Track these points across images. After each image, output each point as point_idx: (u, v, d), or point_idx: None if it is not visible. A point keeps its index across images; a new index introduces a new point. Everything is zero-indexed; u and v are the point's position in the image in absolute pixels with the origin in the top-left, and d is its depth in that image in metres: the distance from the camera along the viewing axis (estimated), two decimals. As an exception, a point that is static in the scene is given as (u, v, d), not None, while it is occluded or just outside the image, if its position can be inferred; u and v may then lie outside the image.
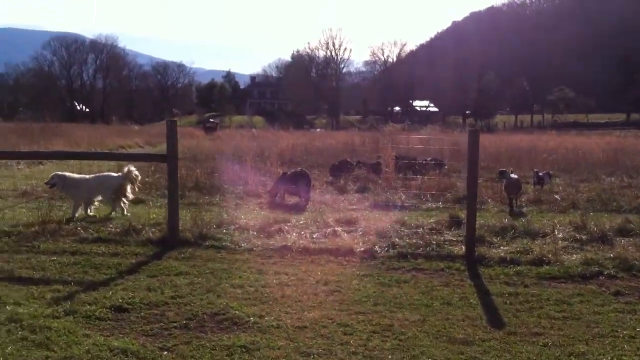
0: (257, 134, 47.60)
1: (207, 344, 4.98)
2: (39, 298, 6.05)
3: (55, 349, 4.79)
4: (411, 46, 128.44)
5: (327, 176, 17.18)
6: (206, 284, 6.68)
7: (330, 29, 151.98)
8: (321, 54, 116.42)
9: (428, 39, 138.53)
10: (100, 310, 5.71)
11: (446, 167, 18.32)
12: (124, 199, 10.89)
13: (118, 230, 9.15)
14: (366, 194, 14.33)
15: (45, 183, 10.88)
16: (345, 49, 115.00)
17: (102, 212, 10.83)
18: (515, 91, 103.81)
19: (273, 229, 9.39)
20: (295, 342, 5.05)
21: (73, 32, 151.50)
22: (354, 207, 12.53)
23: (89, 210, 10.63)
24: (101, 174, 11.62)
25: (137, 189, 11.44)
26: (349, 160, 17.68)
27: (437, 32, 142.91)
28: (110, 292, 6.27)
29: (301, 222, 10.14)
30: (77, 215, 10.34)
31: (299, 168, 15.43)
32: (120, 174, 11.13)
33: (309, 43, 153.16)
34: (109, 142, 37.35)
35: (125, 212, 10.70)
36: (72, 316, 5.54)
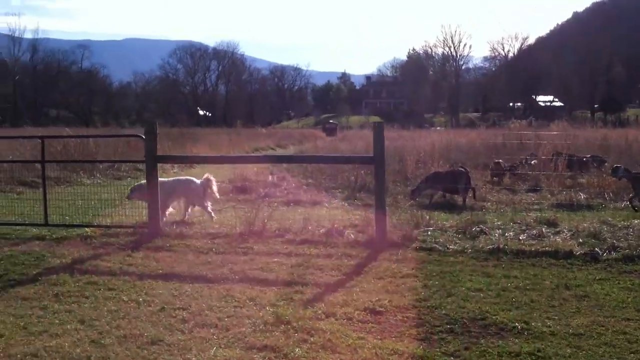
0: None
1: (490, 350, 4.84)
2: (289, 299, 6.16)
3: (342, 352, 4.82)
4: (531, 39, 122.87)
5: (487, 175, 16.75)
6: (442, 287, 6.57)
7: (449, 25, 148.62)
8: (439, 51, 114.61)
9: (548, 32, 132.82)
10: (357, 312, 5.72)
11: (607, 163, 17.36)
12: (208, 204, 10.90)
13: (322, 232, 9.26)
14: (538, 193, 13.84)
15: (127, 198, 10.89)
16: (465, 44, 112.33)
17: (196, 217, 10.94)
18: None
19: (474, 230, 9.18)
20: (582, 350, 4.81)
21: (196, 41, 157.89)
22: (537, 206, 12.10)
23: (167, 214, 10.65)
24: (182, 178, 11.59)
25: (215, 197, 11.36)
26: (499, 161, 16.94)
27: (557, 24, 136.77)
28: (354, 295, 6.29)
29: (498, 222, 9.86)
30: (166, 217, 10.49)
31: (460, 166, 15.14)
32: (201, 180, 11.08)
33: (426, 41, 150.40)
34: (246, 145, 38.53)
35: (213, 217, 10.67)
36: (333, 318, 5.59)
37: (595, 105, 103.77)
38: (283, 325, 5.38)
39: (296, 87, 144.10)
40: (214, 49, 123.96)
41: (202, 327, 5.41)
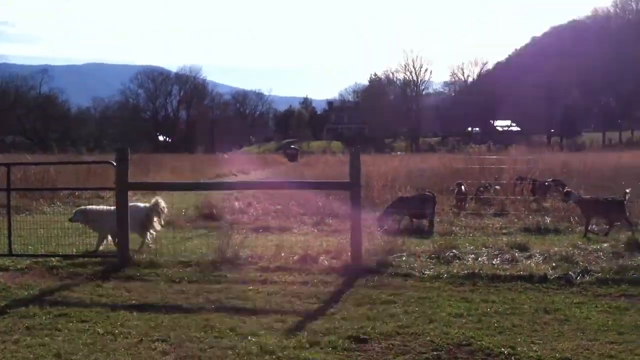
0: (344, 160, 47.87)
1: (481, 377, 4.82)
2: (270, 329, 6.06)
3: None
4: (491, 65, 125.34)
5: (452, 200, 16.86)
6: (422, 313, 6.54)
7: (412, 50, 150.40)
8: (400, 76, 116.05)
9: (506, 57, 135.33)
10: (341, 340, 5.65)
11: (567, 188, 17.69)
12: (151, 231, 10.56)
13: (296, 258, 9.17)
14: (505, 217, 14.00)
15: (69, 220, 10.61)
16: (426, 70, 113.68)
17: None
18: (602, 108, 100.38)
19: (448, 254, 9.21)
20: (571, 376, 4.83)
21: (158, 66, 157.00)
22: (505, 231, 12.21)
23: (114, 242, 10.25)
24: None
25: (162, 222, 10.96)
26: (461, 184, 17.04)
27: (515, 49, 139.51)
28: (336, 322, 6.23)
29: (470, 247, 9.92)
30: (101, 248, 10.22)
31: (427, 190, 15.21)
32: (147, 204, 10.78)
33: (389, 67, 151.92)
34: (209, 171, 38.18)
35: (150, 244, 10.37)
36: (318, 347, 5.50)
37: (552, 130, 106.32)
38: (267, 356, 5.29)
39: (258, 112, 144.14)
40: (176, 73, 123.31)
41: (184, 359, 5.27)
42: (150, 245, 10.36)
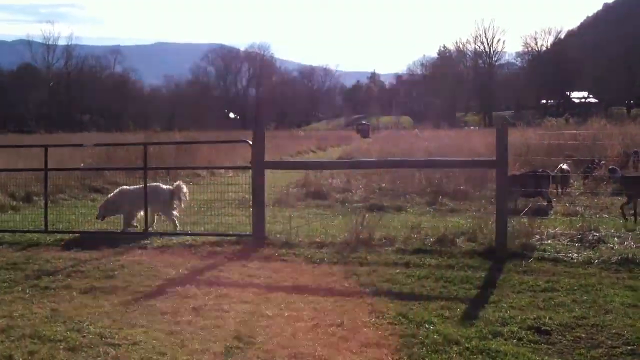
0: (420, 134, 47.15)
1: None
2: (441, 316, 5.91)
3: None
4: (563, 33, 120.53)
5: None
6: (593, 302, 6.26)
7: (483, 20, 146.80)
8: (471, 47, 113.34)
9: (578, 25, 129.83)
10: (523, 332, 5.44)
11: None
12: (173, 213, 10.59)
13: (432, 240, 9.00)
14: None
15: (97, 217, 10.82)
16: (499, 40, 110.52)
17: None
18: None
19: (590, 238, 8.84)
20: None
21: (226, 44, 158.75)
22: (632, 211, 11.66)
23: (134, 222, 10.64)
24: (149, 184, 10.93)
25: (183, 206, 11.00)
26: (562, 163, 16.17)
27: (587, 17, 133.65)
28: (506, 311, 6.02)
29: (612, 230, 9.51)
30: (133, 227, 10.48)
31: (540, 168, 14.66)
32: (169, 187, 10.81)
33: (460, 38, 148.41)
34: (289, 148, 38.27)
35: (177, 228, 10.41)
36: (502, 338, 5.32)
37: (631, 101, 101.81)
38: (454, 346, 5.14)
39: (325, 88, 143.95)
40: (246, 51, 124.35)
41: (367, 346, 5.19)
42: (177, 227, 10.46)
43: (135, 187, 10.95)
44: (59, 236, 10.35)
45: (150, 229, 10.33)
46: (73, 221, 11.57)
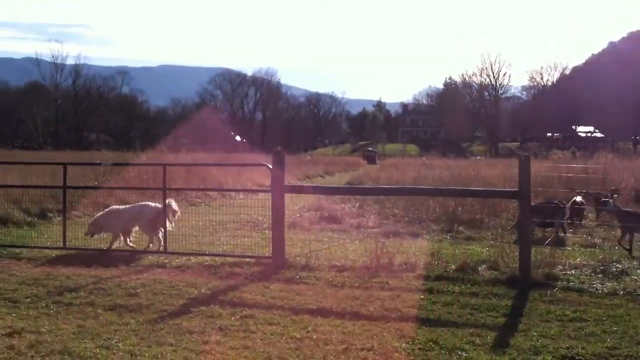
0: (427, 162, 47.19)
1: None
2: (471, 343, 5.86)
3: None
4: (569, 69, 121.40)
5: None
6: (623, 333, 6.20)
7: (489, 54, 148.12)
8: (477, 80, 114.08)
9: (583, 61, 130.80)
10: (557, 361, 5.40)
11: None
12: (161, 229, 10.52)
13: (453, 267, 8.96)
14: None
15: (85, 234, 10.89)
16: (505, 74, 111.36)
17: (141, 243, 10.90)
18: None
19: (613, 270, 8.79)
20: None
21: (233, 68, 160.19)
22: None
23: (128, 241, 10.74)
24: (138, 204, 11.36)
25: (173, 225, 10.97)
26: (577, 195, 16.06)
27: (593, 54, 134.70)
28: (536, 340, 5.97)
29: (634, 262, 9.45)
30: (114, 246, 10.52)
31: (556, 199, 14.60)
32: (157, 205, 10.79)
33: (466, 71, 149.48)
34: (296, 172, 38.27)
35: (161, 247, 10.35)
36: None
37: (638, 137, 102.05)
38: (490, 373, 5.08)
39: (331, 115, 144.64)
40: (253, 76, 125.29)
41: (401, 371, 5.14)
42: (161, 246, 10.40)
43: (124, 207, 11.25)
44: (74, 252, 10.35)
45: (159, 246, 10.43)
46: (88, 238, 11.54)
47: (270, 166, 9.41)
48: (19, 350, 5.44)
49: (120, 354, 5.39)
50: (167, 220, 10.52)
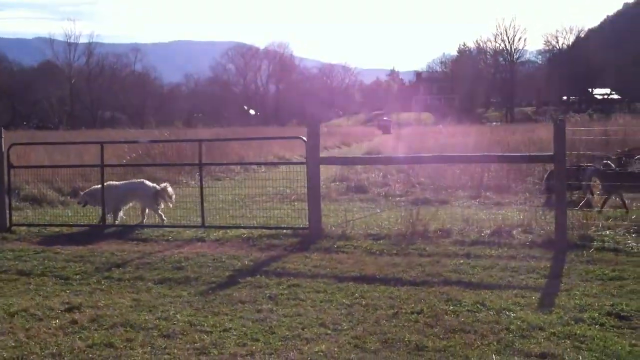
0: (444, 130, 46.99)
1: None
2: (517, 304, 6.00)
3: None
4: (584, 32, 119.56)
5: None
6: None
7: (503, 19, 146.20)
8: (492, 45, 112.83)
9: (598, 23, 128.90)
10: (604, 318, 5.53)
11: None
12: (159, 208, 11.07)
13: (488, 232, 9.10)
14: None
15: (78, 203, 11.42)
16: (520, 38, 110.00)
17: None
18: None
19: (648, 229, 8.89)
20: None
21: (241, 42, 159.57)
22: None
23: (119, 217, 11.12)
24: (134, 180, 11.82)
25: (171, 206, 11.39)
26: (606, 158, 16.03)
27: (607, 16, 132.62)
28: (580, 299, 6.10)
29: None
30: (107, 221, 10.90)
31: (584, 163, 14.59)
32: (155, 186, 11.27)
33: (480, 36, 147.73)
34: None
35: (164, 221, 10.83)
36: (585, 324, 5.39)
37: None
38: (540, 331, 5.24)
39: (344, 85, 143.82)
40: (265, 49, 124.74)
41: (453, 332, 5.30)
42: (164, 219, 10.93)
43: (120, 182, 11.60)
44: (114, 229, 10.60)
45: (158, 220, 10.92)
46: (124, 214, 11.76)
47: (305, 138, 9.53)
48: (82, 325, 5.66)
49: (181, 324, 5.60)
50: (163, 201, 11.14)
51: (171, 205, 11.39)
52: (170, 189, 11.35)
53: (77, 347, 5.09)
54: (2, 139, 10.86)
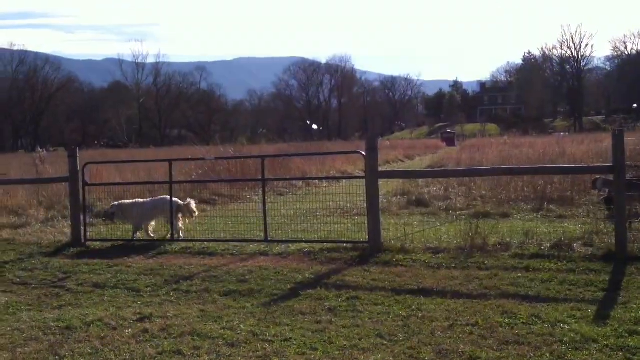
0: (509, 142, 46.22)
1: None
2: (573, 317, 6.04)
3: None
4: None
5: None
6: None
7: (569, 26, 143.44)
8: (558, 53, 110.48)
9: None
10: (661, 332, 5.54)
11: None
12: (180, 224, 11.46)
13: (548, 245, 9.10)
14: None
15: (105, 212, 11.84)
16: (587, 45, 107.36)
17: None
18: None
19: None
20: None
21: (303, 57, 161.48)
22: None
23: (150, 233, 11.61)
24: (158, 197, 12.13)
25: (187, 221, 11.87)
26: None
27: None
28: (636, 312, 6.08)
29: None
30: (137, 236, 11.47)
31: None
32: (177, 200, 11.49)
33: (545, 44, 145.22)
34: (381, 157, 38.50)
35: (181, 236, 11.30)
36: (639, 336, 5.42)
37: None
38: (593, 344, 5.30)
39: (407, 98, 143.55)
40: (327, 63, 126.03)
41: (506, 344, 5.41)
42: (181, 235, 11.39)
43: (146, 200, 12.12)
44: (183, 244, 11.06)
45: (176, 235, 11.34)
46: (191, 230, 12.25)
47: (364, 153, 9.77)
48: (152, 334, 6.05)
49: (244, 334, 5.91)
50: (185, 217, 11.69)
51: (194, 219, 12.01)
52: (193, 205, 11.88)
53: (148, 355, 5.48)
54: (78, 159, 11.56)
